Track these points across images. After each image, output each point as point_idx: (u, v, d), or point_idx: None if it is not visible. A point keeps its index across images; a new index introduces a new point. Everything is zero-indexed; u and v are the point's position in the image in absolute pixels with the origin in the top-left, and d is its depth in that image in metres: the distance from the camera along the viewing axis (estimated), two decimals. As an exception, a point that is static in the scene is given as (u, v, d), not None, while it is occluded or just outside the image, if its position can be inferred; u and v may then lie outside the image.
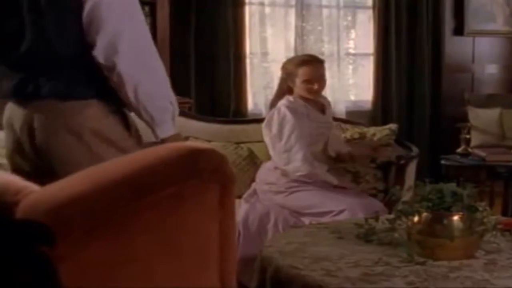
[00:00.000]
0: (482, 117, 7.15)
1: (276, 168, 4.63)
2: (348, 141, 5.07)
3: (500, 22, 7.92)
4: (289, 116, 4.53)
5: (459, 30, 7.78)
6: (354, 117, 6.66)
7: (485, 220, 3.11)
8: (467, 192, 3.07)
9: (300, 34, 7.15)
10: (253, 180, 4.81)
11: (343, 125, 5.35)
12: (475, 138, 6.90)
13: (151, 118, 2.84)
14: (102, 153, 2.70)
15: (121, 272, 1.05)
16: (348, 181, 4.81)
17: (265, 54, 7.00)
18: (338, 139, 4.90)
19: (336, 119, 5.49)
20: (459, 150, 6.07)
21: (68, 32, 2.72)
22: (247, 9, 6.83)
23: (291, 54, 7.09)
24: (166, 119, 2.88)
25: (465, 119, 7.01)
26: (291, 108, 4.58)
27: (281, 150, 4.54)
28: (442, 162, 6.09)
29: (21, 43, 2.76)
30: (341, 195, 4.52)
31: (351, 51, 7.52)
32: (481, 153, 6.04)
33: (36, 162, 2.80)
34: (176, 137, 2.90)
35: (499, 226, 3.28)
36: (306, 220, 4.42)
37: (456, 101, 7.44)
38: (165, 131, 2.88)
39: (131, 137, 2.89)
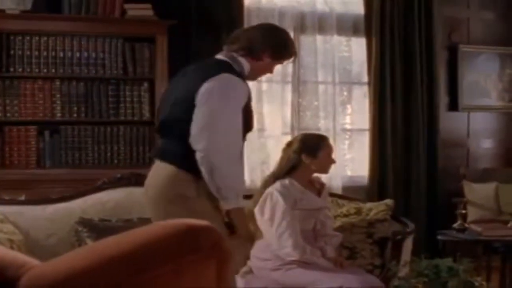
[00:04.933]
0: (478, 192, 7.18)
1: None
2: (345, 216, 5.09)
3: (493, 97, 8.02)
4: (281, 202, 4.56)
5: (453, 105, 7.86)
6: (350, 192, 6.69)
7: (481, 295, 3.12)
8: (463, 267, 3.09)
9: (297, 110, 7.23)
10: (248, 257, 4.80)
11: (339, 201, 5.37)
12: (472, 213, 6.91)
13: (217, 193, 3.57)
14: (178, 205, 3.61)
15: None
16: (344, 257, 4.80)
17: (261, 130, 7.04)
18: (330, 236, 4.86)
19: (332, 194, 5.52)
20: (456, 225, 6.08)
21: (188, 120, 3.61)
22: (244, 85, 6.89)
23: (288, 130, 7.17)
24: (230, 196, 3.58)
25: (461, 194, 7.04)
26: (283, 193, 4.60)
27: (273, 236, 4.56)
28: (439, 237, 6.10)
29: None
30: (338, 272, 4.52)
31: (347, 126, 7.58)
32: (477, 228, 6.06)
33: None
34: (238, 211, 3.66)
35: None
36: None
37: (451, 176, 7.48)
38: (228, 204, 3.62)
39: (199, 198, 3.63)
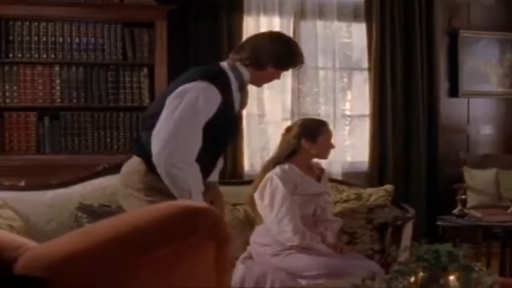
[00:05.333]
0: (478, 178, 7.17)
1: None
2: (345, 201, 5.09)
3: (494, 83, 8.00)
4: (280, 187, 4.55)
5: (454, 91, 7.84)
6: (350, 178, 6.68)
7: (481, 280, 3.11)
8: (463, 252, 3.08)
9: (297, 95, 7.21)
10: (248, 243, 4.79)
11: (339, 186, 5.37)
12: (472, 199, 6.91)
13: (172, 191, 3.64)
14: (134, 197, 3.76)
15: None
16: (344, 243, 4.80)
17: (262, 115, 7.03)
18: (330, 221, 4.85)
19: (332, 180, 5.51)
20: (455, 211, 6.07)
21: (156, 116, 3.73)
22: (244, 71, 6.87)
23: (288, 115, 7.15)
24: (183, 195, 3.58)
25: (461, 179, 7.03)
26: (283, 178, 4.59)
27: (273, 221, 4.55)
28: (439, 223, 6.10)
29: None
30: (338, 257, 4.52)
31: (347, 112, 7.55)
32: (477, 213, 6.05)
33: None
34: None
35: (496, 287, 3.27)
36: (303, 282, 4.41)
37: (452, 162, 7.47)
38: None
39: (151, 191, 3.72)
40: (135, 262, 1.06)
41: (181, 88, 3.70)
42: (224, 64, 3.94)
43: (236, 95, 3.89)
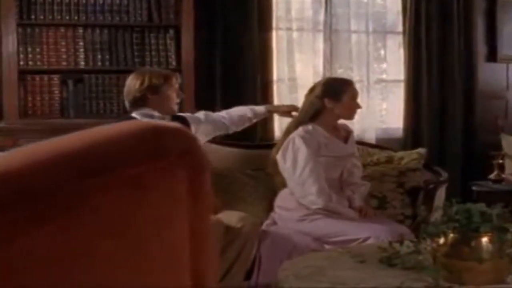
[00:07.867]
0: (516, 145, 6.94)
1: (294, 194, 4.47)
2: (375, 164, 4.90)
3: (534, 48, 7.73)
4: (303, 147, 4.38)
5: (492, 56, 7.58)
6: (384, 144, 6.48)
7: (516, 242, 2.91)
8: (497, 212, 2.88)
9: (329, 59, 7.00)
10: (271, 209, 4.64)
11: (370, 150, 5.19)
12: (509, 166, 6.69)
13: None
14: None
15: (67, 269, 0.88)
16: (371, 207, 4.61)
17: (292, 79, 6.84)
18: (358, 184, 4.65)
19: (364, 143, 5.35)
20: (492, 175, 5.90)
21: None
22: (274, 34, 6.70)
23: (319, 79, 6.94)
24: None
25: (498, 146, 6.81)
26: (306, 138, 4.42)
27: (296, 183, 4.38)
28: (474, 188, 5.91)
29: None
30: (366, 222, 4.34)
31: (381, 77, 7.33)
32: (515, 178, 5.85)
33: None
34: None
35: (532, 250, 3.07)
36: (329, 248, 4.26)
37: (489, 128, 7.23)
38: None
39: None
40: (84, 185, 0.89)
41: None
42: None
43: None
